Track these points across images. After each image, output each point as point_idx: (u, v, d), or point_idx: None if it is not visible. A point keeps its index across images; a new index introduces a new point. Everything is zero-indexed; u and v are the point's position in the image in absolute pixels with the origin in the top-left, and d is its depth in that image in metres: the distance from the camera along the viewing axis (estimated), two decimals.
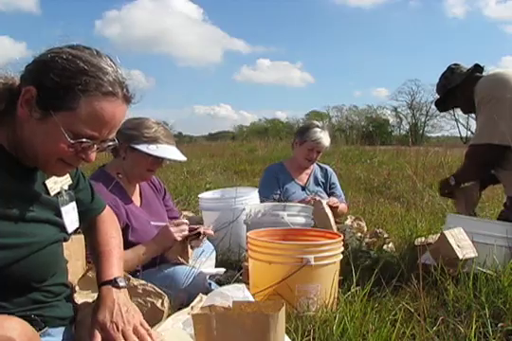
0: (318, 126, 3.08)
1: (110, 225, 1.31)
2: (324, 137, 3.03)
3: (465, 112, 2.66)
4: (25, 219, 0.95)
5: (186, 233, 1.84)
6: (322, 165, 3.26)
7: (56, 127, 0.91)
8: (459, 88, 2.43)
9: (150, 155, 1.83)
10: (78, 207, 1.16)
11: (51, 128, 0.91)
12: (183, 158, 1.91)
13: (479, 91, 2.31)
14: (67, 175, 1.11)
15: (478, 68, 2.44)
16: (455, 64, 2.50)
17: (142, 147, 1.83)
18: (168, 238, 1.79)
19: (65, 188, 1.10)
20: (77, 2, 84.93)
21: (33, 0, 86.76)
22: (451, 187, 2.49)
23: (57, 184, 1.07)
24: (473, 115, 2.53)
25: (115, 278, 1.11)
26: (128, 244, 1.81)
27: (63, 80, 0.90)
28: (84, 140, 0.93)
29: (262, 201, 2.84)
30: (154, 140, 1.85)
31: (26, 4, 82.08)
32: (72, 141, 0.92)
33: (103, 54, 0.96)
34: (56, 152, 0.93)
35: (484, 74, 2.43)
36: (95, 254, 1.23)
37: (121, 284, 1.10)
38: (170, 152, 1.88)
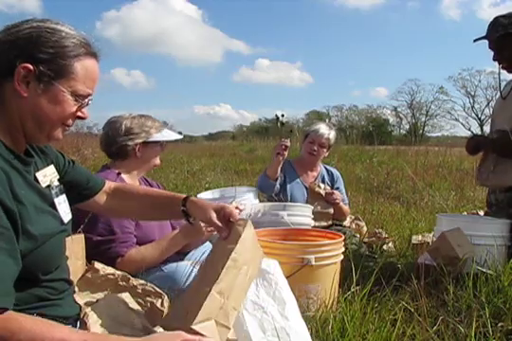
0: (323, 123, 3.16)
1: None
2: (324, 129, 3.04)
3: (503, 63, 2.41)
4: (36, 209, 0.97)
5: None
6: (329, 168, 3.24)
7: (61, 94, 0.98)
8: None
9: (164, 142, 2.02)
10: (81, 184, 1.27)
11: (57, 96, 0.98)
12: (180, 136, 2.15)
13: None
14: (54, 170, 1.13)
15: None
16: None
17: (158, 137, 1.97)
18: (198, 231, 1.81)
19: (55, 182, 1.10)
20: (78, 2, 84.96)
21: (36, 2, 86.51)
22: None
23: (46, 177, 1.08)
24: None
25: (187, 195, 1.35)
26: None
27: (56, 49, 0.97)
28: (87, 100, 1.02)
29: (260, 189, 2.91)
30: (159, 129, 1.99)
31: (29, 5, 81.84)
32: (82, 102, 1.01)
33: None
34: (63, 116, 1.00)
35: None
36: (147, 199, 1.37)
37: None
38: (172, 133, 2.08)
